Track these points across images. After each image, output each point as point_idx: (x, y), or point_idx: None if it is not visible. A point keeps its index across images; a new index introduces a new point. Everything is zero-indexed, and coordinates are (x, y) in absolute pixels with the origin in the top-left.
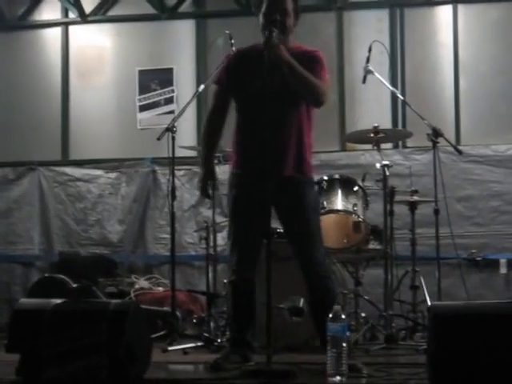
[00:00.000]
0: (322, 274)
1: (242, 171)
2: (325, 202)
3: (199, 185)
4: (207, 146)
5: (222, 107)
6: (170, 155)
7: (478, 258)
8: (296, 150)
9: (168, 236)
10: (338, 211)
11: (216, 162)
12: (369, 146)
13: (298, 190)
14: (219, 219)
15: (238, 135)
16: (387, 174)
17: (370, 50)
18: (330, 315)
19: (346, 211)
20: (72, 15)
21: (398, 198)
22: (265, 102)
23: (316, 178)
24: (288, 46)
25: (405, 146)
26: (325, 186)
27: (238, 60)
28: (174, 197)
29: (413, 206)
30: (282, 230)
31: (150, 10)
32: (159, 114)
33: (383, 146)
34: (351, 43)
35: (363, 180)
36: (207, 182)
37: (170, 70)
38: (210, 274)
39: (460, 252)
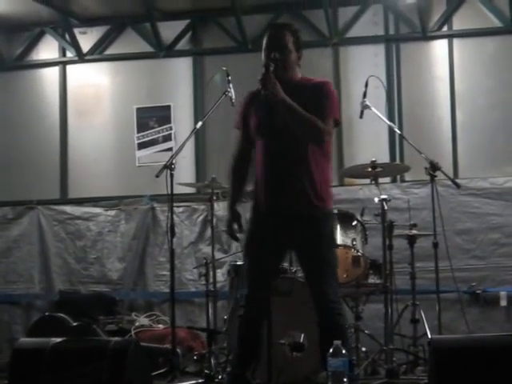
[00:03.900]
0: (334, 310)
1: (257, 207)
2: None
3: (226, 228)
4: (232, 189)
5: (244, 149)
6: (169, 192)
7: (478, 291)
8: (308, 184)
9: (168, 273)
10: (337, 246)
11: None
12: (367, 181)
13: (312, 225)
14: (218, 255)
15: (255, 173)
16: (385, 208)
17: (366, 85)
18: (331, 350)
19: (344, 246)
20: (70, 54)
21: (396, 231)
22: (271, 139)
23: None
24: (293, 80)
25: (403, 180)
26: None
27: (250, 101)
28: (173, 234)
29: (412, 239)
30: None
31: (147, 48)
32: (157, 152)
33: (381, 180)
34: (348, 78)
35: (362, 214)
36: (233, 224)
37: (168, 108)
38: (210, 311)
39: (460, 285)
